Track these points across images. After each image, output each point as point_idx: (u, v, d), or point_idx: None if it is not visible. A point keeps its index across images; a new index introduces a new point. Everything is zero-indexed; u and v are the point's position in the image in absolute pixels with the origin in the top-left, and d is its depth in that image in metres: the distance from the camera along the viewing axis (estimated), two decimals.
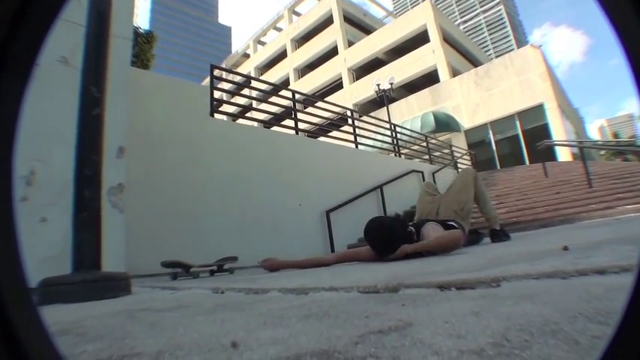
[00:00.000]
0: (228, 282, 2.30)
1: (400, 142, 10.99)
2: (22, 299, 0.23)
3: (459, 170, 12.48)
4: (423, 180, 9.71)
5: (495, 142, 20.16)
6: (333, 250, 6.27)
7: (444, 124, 20.32)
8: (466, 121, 20.56)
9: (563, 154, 16.95)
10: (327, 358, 0.53)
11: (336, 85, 28.52)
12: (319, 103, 8.71)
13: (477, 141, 20.36)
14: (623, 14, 0.22)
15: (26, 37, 0.23)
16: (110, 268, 2.20)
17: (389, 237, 2.90)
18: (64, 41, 2.98)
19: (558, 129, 17.65)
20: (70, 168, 2.13)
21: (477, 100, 20.17)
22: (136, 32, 7.78)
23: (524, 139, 19.00)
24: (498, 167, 17.99)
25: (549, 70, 19.02)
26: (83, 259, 2.00)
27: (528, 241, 3.05)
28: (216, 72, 6.17)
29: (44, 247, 2.70)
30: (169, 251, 3.91)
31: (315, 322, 0.82)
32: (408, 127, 13.50)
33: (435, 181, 8.94)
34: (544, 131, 17.73)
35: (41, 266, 2.50)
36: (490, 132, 20.17)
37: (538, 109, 18.41)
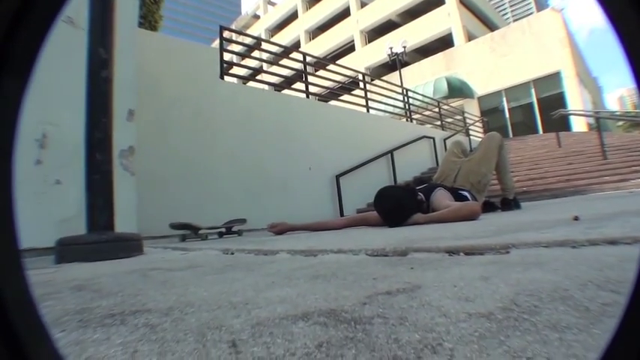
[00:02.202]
0: (238, 243, 2.34)
1: (412, 108, 10.84)
2: (22, 297, 0.23)
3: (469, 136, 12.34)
4: (434, 146, 9.63)
5: (509, 109, 19.75)
6: (342, 215, 6.32)
7: (457, 89, 19.91)
8: (480, 88, 20.10)
9: (579, 125, 16.59)
10: (335, 317, 0.54)
11: (348, 48, 27.90)
12: (331, 66, 8.56)
13: (490, 108, 19.97)
14: (623, 14, 0.21)
15: (26, 37, 0.23)
16: (123, 229, 2.25)
17: (399, 208, 2.87)
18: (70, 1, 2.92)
19: (575, 98, 17.19)
20: (81, 131, 2.13)
21: (491, 66, 19.62)
22: None
23: (538, 108, 18.58)
24: (511, 136, 17.71)
25: (569, 35, 18.33)
26: (97, 220, 2.05)
27: (539, 211, 3.03)
28: (226, 34, 6.05)
29: (60, 208, 2.75)
30: (179, 213, 3.97)
31: (322, 282, 0.82)
32: (421, 92, 13.25)
33: (445, 148, 8.86)
34: (560, 100, 17.29)
35: (59, 227, 2.57)
36: (504, 99, 19.73)
37: (555, 77, 17.88)
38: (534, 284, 0.63)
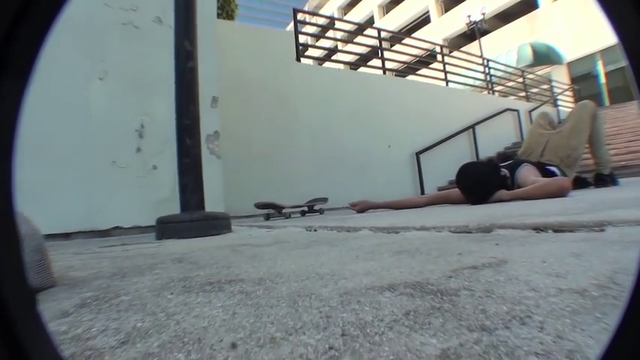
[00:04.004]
0: (320, 221, 2.41)
1: (494, 79, 10.21)
2: (22, 297, 0.23)
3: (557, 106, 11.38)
4: (519, 119, 9.04)
5: (605, 74, 17.73)
6: (423, 193, 6.22)
7: (543, 56, 18.25)
8: (569, 52, 18.23)
9: None
10: (421, 289, 0.55)
11: (423, 20, 26.74)
12: (406, 40, 8.31)
13: (581, 74, 18.09)
14: (623, 14, 0.20)
15: (26, 37, 0.23)
16: (212, 208, 2.42)
17: (481, 185, 2.76)
18: (157, 3, 3.15)
19: None
20: (172, 119, 2.31)
21: (583, 26, 17.61)
22: None
23: None
24: (607, 104, 15.96)
25: None
26: (189, 200, 2.22)
27: None
28: (300, 16, 6.10)
29: (157, 190, 3.04)
30: (262, 194, 4.14)
31: (406, 257, 0.83)
32: (503, 62, 12.40)
33: (531, 120, 8.26)
34: None
35: (156, 207, 2.83)
36: (599, 62, 17.74)
37: None
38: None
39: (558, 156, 3.29)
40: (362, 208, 3.34)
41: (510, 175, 2.90)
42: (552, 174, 3.00)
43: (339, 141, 5.57)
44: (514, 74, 11.47)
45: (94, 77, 2.98)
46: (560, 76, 17.11)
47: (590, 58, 17.79)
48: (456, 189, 2.99)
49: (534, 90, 11.77)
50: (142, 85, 3.13)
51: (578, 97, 13.13)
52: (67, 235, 2.71)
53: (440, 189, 6.28)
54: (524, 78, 11.23)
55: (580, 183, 3.46)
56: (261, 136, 4.84)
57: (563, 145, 3.32)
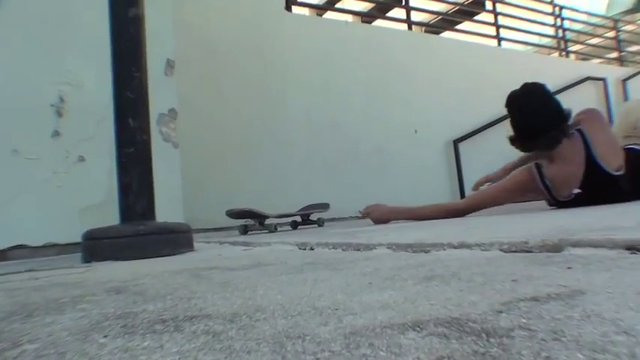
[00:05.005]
0: (319, 236, 2.42)
1: (569, 35, 10.19)
2: None
3: None
4: (606, 92, 8.98)
5: None
6: (462, 195, 6.21)
7: None
8: None
9: None
10: (458, 327, 0.55)
11: None
12: None
13: None
14: None
15: None
16: (166, 218, 2.41)
17: (548, 108, 3.00)
18: None
19: None
20: (108, 91, 2.30)
21: None
22: None
23: None
24: None
25: None
26: (132, 206, 2.21)
27: None
28: None
29: (85, 192, 3.02)
30: (237, 198, 4.15)
31: (439, 284, 0.84)
32: (584, 10, 12.36)
33: (626, 94, 8.23)
34: None
35: (84, 216, 2.82)
36: None
37: None
38: None
39: (626, 135, 3.54)
40: (379, 216, 3.35)
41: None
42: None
43: (346, 125, 5.58)
44: (601, 26, 11.40)
45: None
46: None
47: None
48: (511, 180, 3.14)
49: (633, 49, 11.70)
50: (61, 40, 3.06)
51: None
52: None
53: None
54: (617, 32, 11.14)
55: None
56: (236, 117, 4.84)
57: (620, 123, 3.80)
